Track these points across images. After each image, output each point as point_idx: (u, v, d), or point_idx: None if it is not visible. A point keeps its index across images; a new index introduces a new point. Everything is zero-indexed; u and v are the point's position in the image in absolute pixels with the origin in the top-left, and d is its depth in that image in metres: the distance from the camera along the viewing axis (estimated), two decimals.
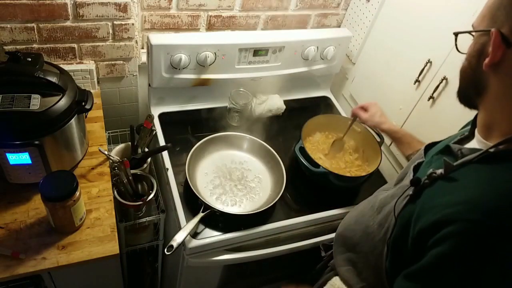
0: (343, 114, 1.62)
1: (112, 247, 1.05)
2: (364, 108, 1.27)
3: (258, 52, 1.41)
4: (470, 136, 0.76)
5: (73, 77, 1.17)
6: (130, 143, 1.34)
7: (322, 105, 1.65)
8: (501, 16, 0.62)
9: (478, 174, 0.65)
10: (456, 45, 0.72)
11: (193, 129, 1.42)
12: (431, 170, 0.72)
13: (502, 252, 0.58)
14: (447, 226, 0.61)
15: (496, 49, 0.62)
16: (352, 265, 0.97)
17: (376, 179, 1.37)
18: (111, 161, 1.20)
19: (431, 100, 1.24)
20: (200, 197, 1.13)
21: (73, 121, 1.09)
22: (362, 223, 0.95)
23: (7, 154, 1.02)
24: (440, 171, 0.71)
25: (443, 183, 0.70)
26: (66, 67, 1.19)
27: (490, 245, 0.58)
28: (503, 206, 0.59)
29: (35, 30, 1.23)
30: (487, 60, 0.63)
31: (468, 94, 0.72)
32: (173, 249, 1.02)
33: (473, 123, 0.76)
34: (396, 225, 0.79)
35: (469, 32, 0.69)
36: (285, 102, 1.54)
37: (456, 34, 0.71)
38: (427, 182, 0.72)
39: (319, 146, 1.39)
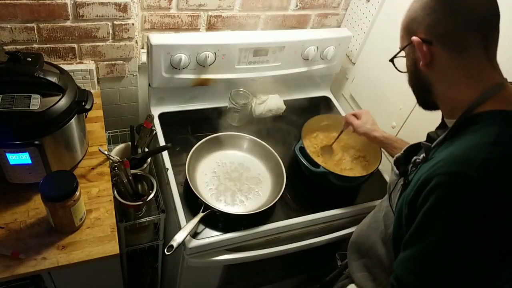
0: (343, 114, 1.62)
1: (112, 247, 1.05)
2: (356, 116, 1.27)
3: (258, 52, 1.41)
4: (444, 126, 0.84)
5: (73, 77, 1.17)
6: (130, 143, 1.34)
7: (322, 105, 1.65)
8: (413, 27, 0.76)
9: (450, 144, 0.73)
10: (396, 68, 0.84)
11: (193, 129, 1.42)
12: (414, 157, 0.81)
13: (479, 198, 0.64)
14: (429, 184, 0.68)
15: (422, 51, 0.74)
16: (367, 271, 0.99)
17: (376, 179, 1.37)
18: (111, 161, 1.20)
19: None
20: (200, 197, 1.13)
21: (73, 121, 1.09)
22: (374, 227, 0.98)
23: (7, 154, 1.02)
24: (422, 155, 0.79)
25: (424, 164, 0.77)
26: (66, 67, 1.19)
27: (467, 192, 0.65)
28: (473, 156, 0.66)
29: (35, 30, 1.23)
30: (421, 63, 0.76)
31: (424, 97, 0.83)
32: (173, 249, 1.02)
33: (443, 116, 0.84)
34: (395, 217, 0.82)
35: (398, 53, 0.82)
36: (285, 102, 1.54)
37: (391, 61, 0.84)
38: (414, 169, 0.80)
39: (319, 146, 1.39)
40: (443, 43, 0.73)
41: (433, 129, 0.87)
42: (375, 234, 0.96)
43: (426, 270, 0.70)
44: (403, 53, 0.82)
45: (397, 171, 0.89)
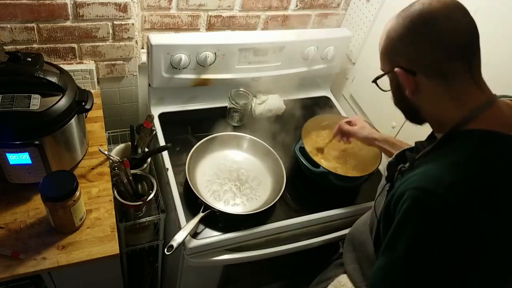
0: (343, 114, 1.62)
1: (112, 247, 1.05)
2: (351, 123, 1.24)
3: (258, 52, 1.41)
4: (434, 137, 0.85)
5: (73, 77, 1.17)
6: (130, 143, 1.34)
7: (322, 105, 1.65)
8: (394, 58, 0.76)
9: (433, 159, 0.75)
10: (380, 88, 0.84)
11: (193, 129, 1.42)
12: (400, 165, 0.82)
13: (444, 215, 0.66)
14: (403, 196, 0.71)
15: (406, 81, 0.75)
16: (358, 264, 1.02)
17: (376, 179, 1.37)
18: (111, 161, 1.20)
19: None
20: (200, 197, 1.13)
21: (73, 121, 1.09)
22: (368, 224, 0.99)
23: (7, 154, 1.02)
24: (407, 164, 0.80)
25: (408, 173, 0.78)
26: (66, 67, 1.19)
27: (433, 208, 0.67)
28: (444, 175, 0.68)
29: (35, 30, 1.23)
30: (407, 92, 0.76)
31: (413, 116, 0.84)
32: (173, 249, 1.02)
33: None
34: (376, 222, 0.85)
35: (381, 76, 0.82)
36: (285, 102, 1.54)
37: (374, 82, 0.84)
38: (400, 176, 0.81)
39: (318, 146, 1.39)
40: (427, 73, 0.73)
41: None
42: (367, 231, 0.99)
43: (395, 280, 0.72)
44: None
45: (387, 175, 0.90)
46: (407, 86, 0.75)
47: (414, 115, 0.83)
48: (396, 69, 0.75)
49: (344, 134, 1.24)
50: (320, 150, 1.35)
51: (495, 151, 0.70)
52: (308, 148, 1.32)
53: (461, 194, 0.66)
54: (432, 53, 0.71)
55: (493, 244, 0.68)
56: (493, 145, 0.70)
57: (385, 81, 0.84)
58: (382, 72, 0.83)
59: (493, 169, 0.69)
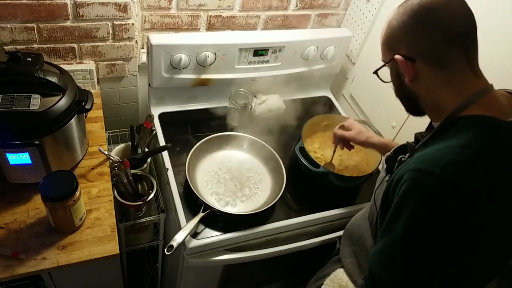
0: (343, 114, 1.62)
1: (112, 247, 1.05)
2: (345, 128, 1.22)
3: (258, 52, 1.41)
4: (431, 128, 0.86)
5: (73, 77, 1.17)
6: (130, 143, 1.34)
7: (322, 105, 1.65)
8: (394, 45, 0.78)
9: (431, 145, 0.76)
10: (381, 80, 0.86)
11: (193, 129, 1.42)
12: (401, 156, 0.83)
13: (441, 195, 0.67)
14: (401, 179, 0.72)
15: (406, 68, 0.76)
16: (355, 258, 1.02)
17: (376, 179, 1.37)
18: (111, 161, 1.20)
19: None
20: (200, 197, 1.13)
21: (73, 121, 1.09)
22: (366, 218, 1.00)
23: (7, 154, 1.02)
24: (407, 154, 0.83)
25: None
26: (66, 67, 1.19)
27: (430, 188, 0.68)
28: (441, 156, 0.69)
29: (35, 30, 1.23)
30: (406, 79, 0.78)
31: (412, 106, 0.85)
32: (173, 249, 1.02)
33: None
34: (379, 214, 0.85)
35: (382, 66, 0.84)
36: (285, 102, 1.54)
37: (375, 73, 0.86)
38: (400, 166, 0.81)
39: (318, 146, 1.39)
40: (426, 59, 0.75)
41: None
42: (366, 225, 0.99)
43: (392, 262, 0.72)
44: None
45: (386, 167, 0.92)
46: (406, 73, 0.77)
47: (413, 105, 0.84)
48: (396, 56, 0.77)
49: (342, 141, 1.22)
50: (329, 165, 1.30)
51: (492, 136, 0.71)
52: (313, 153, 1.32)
53: (458, 175, 0.67)
54: (430, 39, 0.73)
55: (490, 229, 0.69)
56: (490, 130, 0.71)
57: (385, 74, 0.85)
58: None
59: (489, 153, 0.69)
